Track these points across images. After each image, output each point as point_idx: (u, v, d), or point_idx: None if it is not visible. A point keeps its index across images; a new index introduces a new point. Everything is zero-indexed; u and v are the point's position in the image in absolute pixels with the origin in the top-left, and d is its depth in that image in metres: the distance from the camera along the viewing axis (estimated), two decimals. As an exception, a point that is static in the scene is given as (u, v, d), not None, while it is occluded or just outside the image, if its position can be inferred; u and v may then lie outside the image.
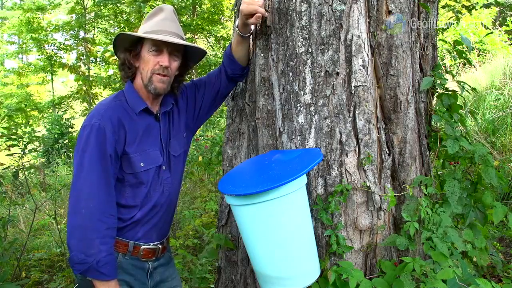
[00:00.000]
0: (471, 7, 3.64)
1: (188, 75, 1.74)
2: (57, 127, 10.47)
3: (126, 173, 1.48)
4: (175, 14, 1.58)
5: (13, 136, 3.27)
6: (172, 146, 1.61)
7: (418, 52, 1.78)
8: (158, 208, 1.56)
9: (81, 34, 12.99)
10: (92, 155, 1.39)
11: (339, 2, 1.53)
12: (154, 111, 1.58)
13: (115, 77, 11.51)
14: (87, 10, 12.23)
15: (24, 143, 3.33)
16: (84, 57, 12.35)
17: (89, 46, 12.56)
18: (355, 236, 1.57)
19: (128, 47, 1.55)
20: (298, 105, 1.56)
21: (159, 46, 1.50)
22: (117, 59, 1.60)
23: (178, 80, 1.64)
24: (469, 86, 1.94)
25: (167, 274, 1.66)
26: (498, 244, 2.94)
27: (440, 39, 2.21)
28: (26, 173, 4.10)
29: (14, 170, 3.40)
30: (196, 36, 12.86)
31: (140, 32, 1.55)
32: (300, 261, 1.39)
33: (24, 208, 5.38)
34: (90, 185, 1.37)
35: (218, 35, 13.26)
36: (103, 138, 1.41)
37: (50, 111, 12.54)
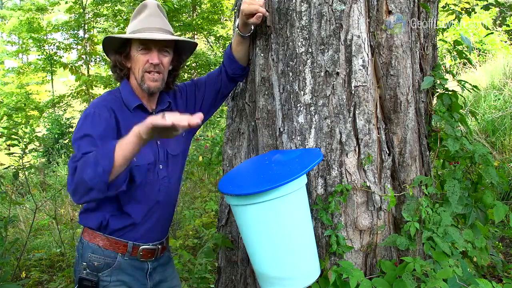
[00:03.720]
0: (470, 9, 3.65)
1: (189, 75, 1.74)
2: (57, 127, 10.48)
3: None
4: (160, 9, 1.56)
5: (13, 136, 3.27)
6: (171, 145, 1.60)
7: (418, 52, 1.78)
8: (155, 208, 1.55)
9: (80, 33, 12.99)
10: (87, 130, 1.39)
11: (339, 2, 1.53)
12: (149, 109, 1.57)
13: (115, 76, 11.48)
14: (86, 10, 12.22)
15: (25, 143, 3.33)
16: (86, 56, 12.33)
17: (92, 45, 12.55)
18: (355, 236, 1.57)
19: (118, 48, 1.54)
20: (298, 105, 1.56)
21: (147, 44, 1.49)
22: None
23: (173, 75, 1.63)
24: (470, 84, 1.94)
25: (167, 274, 1.66)
26: (499, 244, 2.94)
27: (440, 39, 2.21)
28: (26, 173, 4.10)
29: (14, 170, 3.40)
30: (196, 36, 12.86)
31: (127, 32, 1.55)
32: (300, 261, 1.39)
33: (24, 208, 5.39)
34: (84, 149, 1.35)
35: (218, 34, 13.26)
36: (99, 121, 1.42)
37: (50, 111, 12.54)
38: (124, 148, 1.24)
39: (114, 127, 1.45)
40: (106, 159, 1.23)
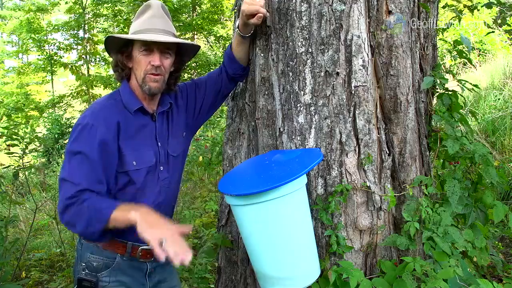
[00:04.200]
0: (473, 7, 3.65)
1: (189, 75, 1.73)
2: (57, 127, 10.48)
3: (118, 172, 1.46)
4: (163, 10, 1.55)
5: (14, 137, 3.27)
6: (171, 146, 1.60)
7: (418, 52, 1.78)
8: (155, 209, 1.54)
9: (81, 33, 13.01)
10: (81, 147, 1.39)
11: (339, 2, 1.53)
12: (150, 110, 1.56)
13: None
14: (86, 10, 12.23)
15: (25, 143, 3.33)
16: (87, 56, 12.34)
17: (93, 45, 12.56)
18: (355, 236, 1.57)
19: (120, 48, 1.53)
20: (298, 105, 1.56)
21: (149, 45, 1.47)
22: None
23: (175, 77, 1.62)
24: (470, 84, 1.93)
25: (166, 275, 1.65)
26: (499, 244, 2.94)
27: (440, 39, 2.21)
28: (26, 173, 4.10)
29: (14, 170, 3.40)
30: (196, 36, 12.87)
31: (130, 32, 1.53)
32: (300, 261, 1.39)
33: (24, 208, 5.38)
34: (74, 170, 1.38)
35: (218, 34, 13.27)
36: (95, 136, 1.40)
37: (50, 111, 12.54)
38: (117, 221, 1.34)
39: (113, 135, 1.44)
40: (99, 224, 1.34)
